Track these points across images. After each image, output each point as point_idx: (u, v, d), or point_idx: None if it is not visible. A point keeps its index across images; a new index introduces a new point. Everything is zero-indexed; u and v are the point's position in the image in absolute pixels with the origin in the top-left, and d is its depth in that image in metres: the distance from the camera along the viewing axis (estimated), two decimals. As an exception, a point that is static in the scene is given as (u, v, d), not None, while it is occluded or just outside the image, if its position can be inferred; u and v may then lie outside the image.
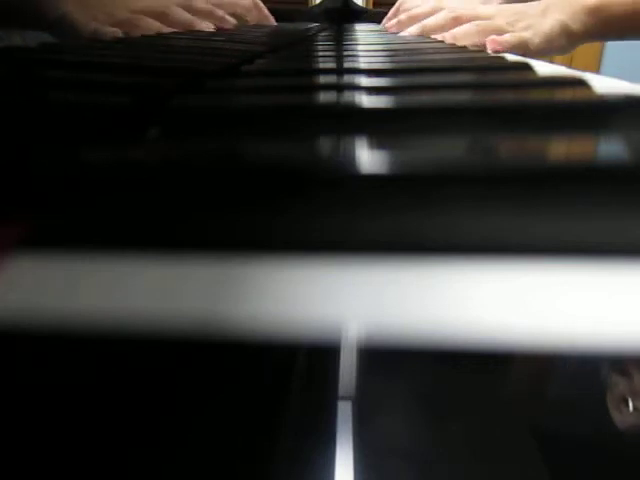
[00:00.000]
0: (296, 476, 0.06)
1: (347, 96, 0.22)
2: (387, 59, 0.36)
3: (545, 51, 0.60)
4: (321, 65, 0.36)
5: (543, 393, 0.08)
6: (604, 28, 0.61)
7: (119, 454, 0.07)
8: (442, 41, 0.59)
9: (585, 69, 0.31)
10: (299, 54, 0.46)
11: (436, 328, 0.08)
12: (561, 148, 0.15)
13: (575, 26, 0.60)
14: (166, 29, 0.59)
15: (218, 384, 0.08)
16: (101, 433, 0.07)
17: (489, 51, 0.59)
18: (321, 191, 0.11)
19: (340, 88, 0.24)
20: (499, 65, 0.33)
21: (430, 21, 0.67)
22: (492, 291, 0.09)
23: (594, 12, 0.60)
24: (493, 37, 0.57)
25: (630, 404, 0.08)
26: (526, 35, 0.59)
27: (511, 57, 0.38)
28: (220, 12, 0.73)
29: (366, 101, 0.19)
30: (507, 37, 0.58)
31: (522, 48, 0.58)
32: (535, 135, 0.17)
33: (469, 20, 0.62)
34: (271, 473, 0.06)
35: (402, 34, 0.71)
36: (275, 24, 0.96)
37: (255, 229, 0.11)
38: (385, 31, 0.80)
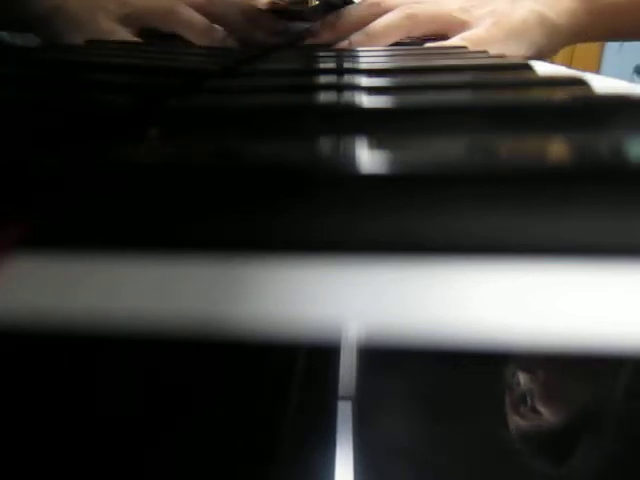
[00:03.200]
0: (296, 476, 0.06)
1: (347, 96, 0.22)
2: (387, 59, 0.36)
3: (515, 49, 0.45)
4: (321, 65, 0.36)
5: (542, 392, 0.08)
6: (595, 23, 0.46)
7: (120, 453, 0.07)
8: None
9: (585, 69, 0.31)
10: (299, 54, 0.46)
11: (436, 328, 0.08)
12: (561, 148, 0.15)
13: (558, 19, 0.45)
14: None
15: (218, 384, 0.08)
16: (102, 433, 0.07)
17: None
18: (321, 191, 0.11)
19: (340, 88, 0.24)
20: (499, 65, 0.33)
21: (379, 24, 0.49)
22: (492, 291, 0.09)
23: (585, 1, 0.45)
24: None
25: (529, 403, 0.07)
26: (479, 30, 0.45)
27: (511, 57, 0.38)
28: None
29: (366, 101, 0.19)
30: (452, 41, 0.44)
31: (475, 44, 0.44)
32: (535, 135, 0.17)
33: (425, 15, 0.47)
34: (271, 473, 0.06)
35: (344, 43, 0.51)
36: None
37: (255, 229, 0.11)
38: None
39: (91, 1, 0.44)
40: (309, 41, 0.52)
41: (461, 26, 0.47)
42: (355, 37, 0.48)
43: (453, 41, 0.46)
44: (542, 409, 0.07)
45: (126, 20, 0.46)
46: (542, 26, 0.45)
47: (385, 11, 0.47)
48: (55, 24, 0.43)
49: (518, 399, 0.07)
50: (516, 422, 0.07)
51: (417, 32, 0.48)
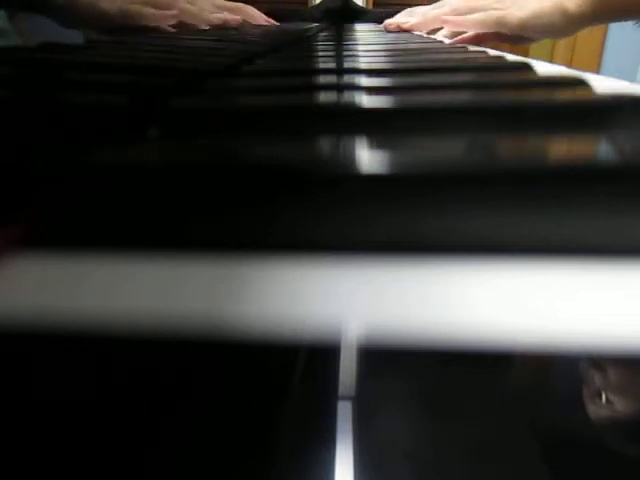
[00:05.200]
0: (296, 476, 0.06)
1: (347, 96, 0.22)
2: (387, 59, 0.36)
3: (535, 29, 0.55)
4: (321, 65, 0.36)
5: (543, 392, 0.08)
6: (607, 6, 0.54)
7: (120, 454, 0.07)
8: (442, 41, 0.58)
9: (585, 69, 0.31)
10: (299, 54, 0.46)
11: (436, 328, 0.08)
12: (561, 148, 0.15)
13: (571, 3, 0.55)
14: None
15: (218, 384, 0.08)
16: (102, 433, 0.07)
17: (445, 34, 0.58)
18: (321, 191, 0.11)
19: (340, 88, 0.24)
20: (499, 65, 0.33)
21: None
22: (492, 291, 0.09)
23: None
24: (449, 18, 0.56)
25: (603, 397, 0.08)
26: (503, 12, 0.55)
27: (511, 57, 0.38)
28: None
29: (366, 101, 0.19)
30: (474, 15, 0.55)
31: (499, 25, 0.55)
32: (535, 135, 0.17)
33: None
34: (271, 473, 0.06)
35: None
36: (276, 24, 0.96)
37: (255, 229, 0.11)
38: (384, 30, 0.79)
39: None
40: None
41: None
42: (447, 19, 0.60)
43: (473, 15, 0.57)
44: (614, 399, 0.08)
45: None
46: (560, 13, 0.55)
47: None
48: (73, 12, 0.48)
49: (594, 392, 0.08)
50: (596, 413, 0.08)
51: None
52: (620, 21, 0.61)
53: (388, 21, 0.78)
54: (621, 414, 0.08)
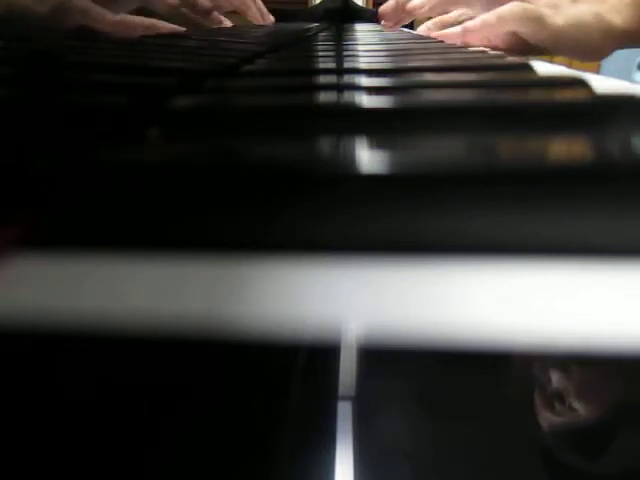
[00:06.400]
0: (296, 476, 0.06)
1: (347, 96, 0.22)
2: (387, 59, 0.36)
3: (572, 41, 0.45)
4: (321, 65, 0.36)
5: (543, 391, 0.08)
6: None
7: (119, 454, 0.07)
8: (442, 41, 0.56)
9: (585, 69, 0.31)
10: (299, 54, 0.46)
11: (436, 328, 0.08)
12: (561, 148, 0.15)
13: (615, 20, 0.45)
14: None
15: (218, 384, 0.08)
16: (102, 433, 0.07)
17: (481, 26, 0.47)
18: (321, 191, 0.11)
19: (340, 88, 0.24)
20: (499, 65, 0.33)
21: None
22: (492, 291, 0.09)
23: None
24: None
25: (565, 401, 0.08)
26: (546, 11, 0.45)
27: (511, 57, 0.38)
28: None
29: (366, 101, 0.19)
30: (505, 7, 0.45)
31: (538, 22, 0.44)
32: (535, 135, 0.17)
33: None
34: (271, 473, 0.06)
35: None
36: (273, 23, 0.95)
37: (255, 229, 0.11)
38: (383, 30, 0.77)
39: None
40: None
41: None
42: (470, 24, 0.48)
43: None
44: (577, 406, 0.07)
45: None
46: (599, 27, 0.46)
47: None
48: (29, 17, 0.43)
49: (551, 396, 0.07)
50: (549, 419, 0.07)
51: (518, 28, 0.48)
52: None
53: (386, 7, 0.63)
54: (582, 422, 0.07)
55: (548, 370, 0.08)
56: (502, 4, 0.47)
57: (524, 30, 0.47)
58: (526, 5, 0.47)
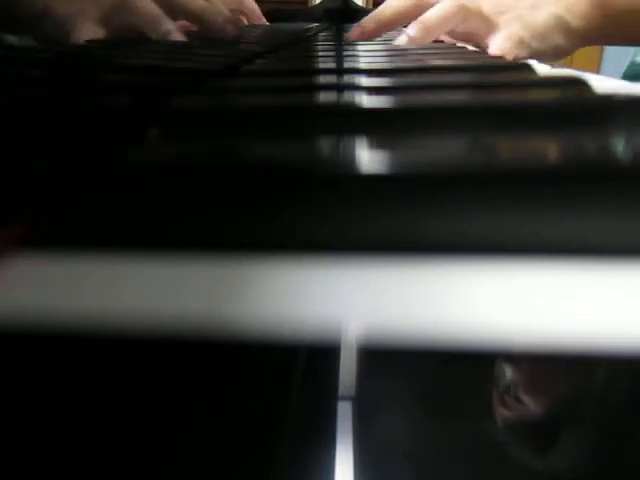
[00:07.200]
0: (296, 476, 0.06)
1: (347, 96, 0.22)
2: (387, 59, 0.36)
3: (538, 53, 0.48)
4: (321, 65, 0.36)
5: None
6: (609, 26, 0.49)
7: (119, 454, 0.07)
8: (442, 41, 0.56)
9: (585, 69, 0.31)
10: (299, 54, 0.46)
11: (436, 328, 0.08)
12: (561, 148, 0.15)
13: (575, 22, 0.48)
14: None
15: (218, 384, 0.08)
16: (102, 433, 0.07)
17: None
18: (321, 191, 0.11)
19: (340, 88, 0.24)
20: (499, 65, 0.33)
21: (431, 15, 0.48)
22: (491, 291, 0.09)
23: (598, 5, 0.48)
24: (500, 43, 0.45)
25: (512, 393, 0.08)
26: (511, 31, 0.46)
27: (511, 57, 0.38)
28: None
29: (366, 101, 0.19)
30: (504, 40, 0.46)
31: (517, 44, 0.46)
32: (535, 135, 0.17)
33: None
34: (271, 473, 0.06)
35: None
36: (266, 23, 0.92)
37: (255, 229, 0.11)
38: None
39: (74, 4, 0.44)
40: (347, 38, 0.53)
41: (492, 28, 0.49)
42: (411, 30, 0.48)
43: (495, 40, 0.48)
44: (526, 399, 0.07)
45: (104, 20, 0.46)
46: (561, 28, 0.48)
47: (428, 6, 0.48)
48: (43, 26, 0.43)
49: (503, 390, 0.08)
50: (502, 413, 0.07)
51: (463, 27, 0.49)
52: (621, 44, 0.55)
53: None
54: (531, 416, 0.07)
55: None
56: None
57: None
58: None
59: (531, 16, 0.48)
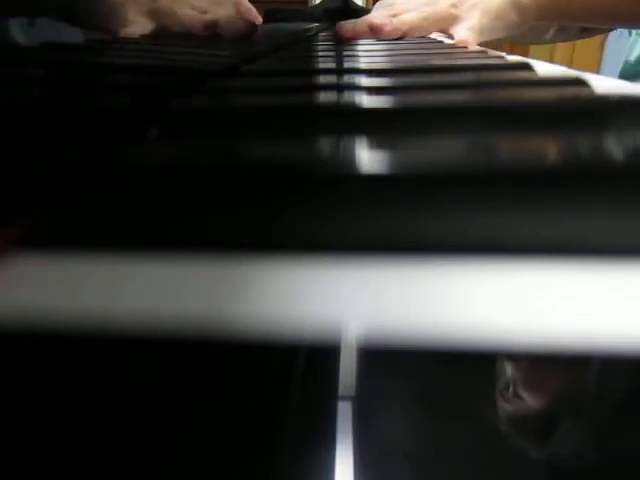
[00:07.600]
0: (296, 476, 0.06)
1: (347, 96, 0.22)
2: (387, 59, 0.36)
3: (498, 30, 0.54)
4: (321, 65, 0.36)
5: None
6: (555, 6, 0.56)
7: (119, 454, 0.07)
8: (441, 41, 0.57)
9: (585, 69, 0.31)
10: (299, 54, 0.46)
11: (436, 328, 0.08)
12: (560, 148, 0.15)
13: (526, 1, 0.55)
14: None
15: (218, 384, 0.08)
16: (102, 433, 0.07)
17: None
18: (321, 191, 0.11)
19: (340, 88, 0.24)
20: (499, 65, 0.33)
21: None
22: (491, 291, 0.09)
23: None
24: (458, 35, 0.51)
25: (511, 389, 0.08)
26: (474, 20, 0.53)
27: (511, 57, 0.38)
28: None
29: (366, 101, 0.19)
30: (462, 34, 0.51)
31: (478, 33, 0.52)
32: (535, 135, 0.17)
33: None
34: (271, 473, 0.06)
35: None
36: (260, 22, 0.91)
37: (255, 229, 0.11)
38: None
39: None
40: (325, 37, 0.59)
41: (454, 20, 0.55)
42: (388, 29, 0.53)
43: (459, 32, 0.53)
44: (524, 394, 0.08)
45: (153, 14, 0.50)
46: (515, 6, 0.55)
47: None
48: (97, 11, 0.47)
49: (503, 386, 0.08)
50: (501, 407, 0.07)
51: (428, 32, 0.56)
52: (569, 23, 0.62)
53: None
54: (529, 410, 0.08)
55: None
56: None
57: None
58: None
59: (487, 2, 0.54)
